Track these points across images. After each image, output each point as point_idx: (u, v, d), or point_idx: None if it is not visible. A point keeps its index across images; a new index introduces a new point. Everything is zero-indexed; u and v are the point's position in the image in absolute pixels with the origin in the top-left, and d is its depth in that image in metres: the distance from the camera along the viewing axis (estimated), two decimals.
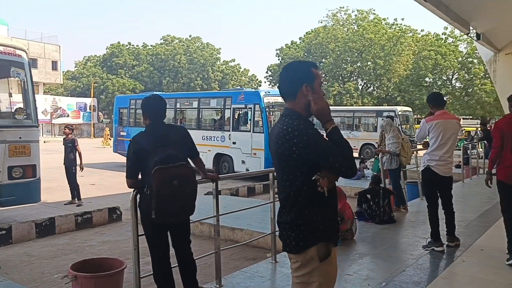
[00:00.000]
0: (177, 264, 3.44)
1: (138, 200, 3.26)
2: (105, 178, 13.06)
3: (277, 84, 2.22)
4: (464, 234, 5.61)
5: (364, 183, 10.80)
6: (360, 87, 42.88)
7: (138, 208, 3.26)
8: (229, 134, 13.63)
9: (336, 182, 2.12)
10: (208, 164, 13.98)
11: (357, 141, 21.33)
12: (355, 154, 20.90)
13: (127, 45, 55.04)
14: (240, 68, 57.47)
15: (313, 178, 2.00)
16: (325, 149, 1.98)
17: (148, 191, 3.03)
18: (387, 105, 37.37)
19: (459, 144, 19.39)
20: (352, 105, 37.18)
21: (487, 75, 32.74)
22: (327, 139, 2.04)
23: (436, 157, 4.86)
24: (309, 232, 2.03)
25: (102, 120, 45.41)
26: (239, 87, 32.35)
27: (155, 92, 21.95)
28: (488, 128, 17.87)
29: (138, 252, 3.29)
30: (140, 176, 3.23)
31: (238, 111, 13.65)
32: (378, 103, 40.12)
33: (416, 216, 6.81)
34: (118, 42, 54.39)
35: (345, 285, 3.92)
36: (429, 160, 4.92)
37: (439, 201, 5.06)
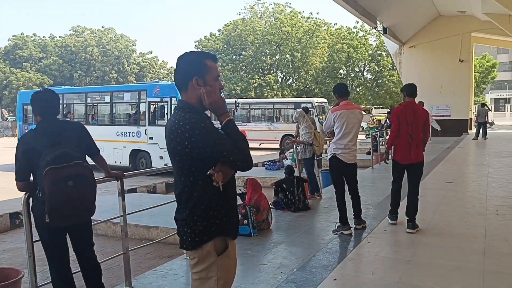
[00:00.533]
0: (79, 269, 3.23)
1: (31, 203, 3.01)
2: (10, 181, 11.97)
3: None
4: (372, 216, 5.98)
5: (283, 174, 11.07)
6: (280, 79, 43.87)
7: (31, 212, 3.02)
8: (145, 129, 13.19)
9: (233, 174, 2.10)
10: (124, 161, 13.45)
11: (278, 132, 21.83)
12: (276, 145, 21.42)
13: (32, 36, 50.83)
14: (158, 60, 55.91)
15: (207, 173, 1.97)
16: (219, 143, 1.95)
17: (40, 194, 2.80)
18: (306, 97, 38.79)
19: (370, 132, 20.76)
20: (272, 97, 37.98)
21: (394, 67, 35.23)
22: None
23: (341, 146, 5.10)
24: (205, 227, 2.00)
25: (7, 118, 41.66)
26: (157, 80, 31.45)
27: (64, 86, 20.59)
28: None
29: (34, 260, 3.04)
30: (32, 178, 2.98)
31: (154, 105, 13.25)
32: (297, 95, 41.43)
33: (330, 202, 7.11)
34: (22, 33, 50.06)
35: (259, 274, 3.97)
36: (335, 148, 5.15)
37: (346, 187, 5.33)
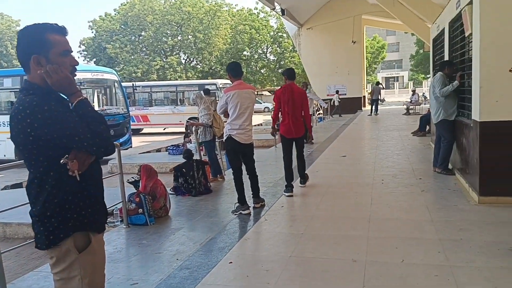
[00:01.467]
0: None
1: None
2: None
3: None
4: (271, 194, 6.11)
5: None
6: (183, 61, 42.94)
7: None
8: None
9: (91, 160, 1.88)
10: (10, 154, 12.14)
11: (182, 115, 21.40)
12: (182, 129, 21.01)
13: None
14: None
15: (61, 161, 1.75)
16: (68, 126, 1.73)
17: None
18: (211, 79, 38.53)
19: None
20: (176, 80, 37.08)
21: (295, 49, 36.44)
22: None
23: (236, 126, 5.08)
24: (60, 223, 1.80)
25: None
26: None
27: None
28: None
29: None
30: None
31: None
32: (203, 77, 41.03)
33: (233, 184, 7.09)
34: None
35: (153, 264, 3.82)
36: (230, 129, 5.12)
37: (244, 167, 5.35)
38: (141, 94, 22.00)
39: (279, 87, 6.42)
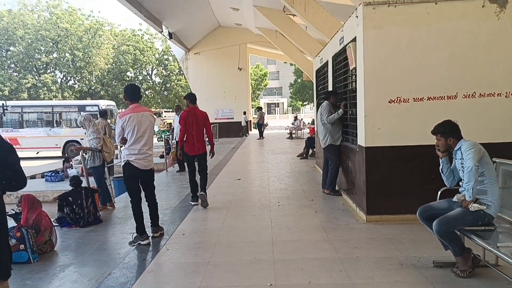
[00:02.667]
0: None
1: None
2: None
3: None
4: (169, 221, 5.87)
5: (68, 185, 9.97)
6: (59, 79, 39.67)
7: None
8: None
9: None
10: None
11: (59, 138, 19.68)
12: (58, 153, 19.22)
13: None
14: None
15: None
16: None
17: None
18: (91, 99, 36.22)
19: (162, 135, 20.80)
20: (51, 99, 34.07)
21: (181, 72, 36.38)
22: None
23: (135, 151, 4.82)
24: None
25: None
26: None
27: None
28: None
29: None
30: None
31: None
32: (81, 97, 38.36)
33: (124, 211, 6.70)
34: None
35: None
36: (129, 154, 4.83)
37: (142, 194, 5.08)
38: (10, 115, 19.67)
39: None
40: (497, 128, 5.12)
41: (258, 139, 21.72)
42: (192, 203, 6.79)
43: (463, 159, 3.46)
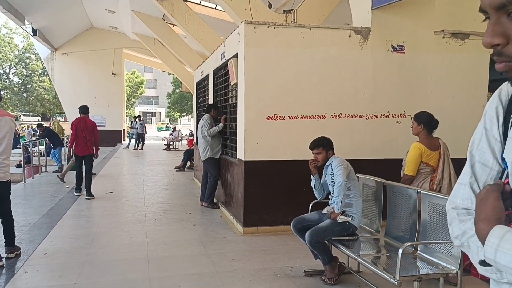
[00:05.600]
0: None
1: None
2: None
3: None
4: (27, 240, 5.22)
5: None
6: None
7: None
8: None
9: None
10: None
11: None
12: None
13: None
14: None
15: None
16: None
17: None
18: None
19: (20, 141, 18.47)
20: None
21: (45, 72, 33.10)
22: None
23: None
24: None
25: None
26: None
27: None
28: (48, 126, 17.92)
29: None
30: None
31: None
32: None
33: None
34: None
35: None
36: None
37: None
38: None
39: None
40: (359, 146, 5.73)
41: (140, 149, 20.83)
42: (76, 194, 8.26)
43: (333, 174, 3.78)
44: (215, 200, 7.26)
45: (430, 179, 3.92)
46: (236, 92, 5.97)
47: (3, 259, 4.37)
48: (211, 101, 7.98)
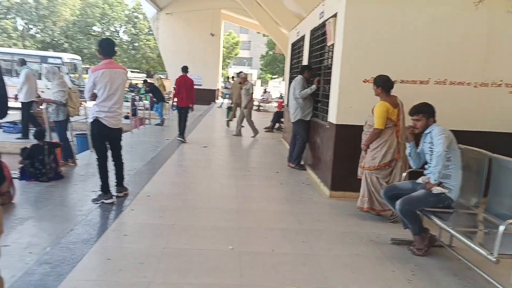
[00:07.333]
0: None
1: None
2: None
3: None
4: (133, 182, 5.79)
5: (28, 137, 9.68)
6: (20, 27, 37.39)
7: None
8: None
9: None
10: None
11: (16, 88, 18.66)
12: (18, 104, 18.25)
13: None
14: None
15: None
16: None
17: None
18: (53, 51, 34.49)
19: (127, 96, 20.12)
20: (10, 47, 32.19)
21: (151, 31, 35.07)
22: None
23: (105, 109, 4.66)
24: None
25: None
26: None
27: None
28: (152, 82, 19.13)
29: None
30: None
31: None
32: (43, 48, 36.43)
33: (86, 169, 6.54)
34: None
35: (1, 259, 3.24)
36: (98, 111, 4.67)
37: (109, 152, 4.96)
38: None
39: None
40: (464, 116, 5.32)
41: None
42: (178, 138, 9.80)
43: (432, 143, 3.58)
44: (302, 162, 7.32)
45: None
46: (332, 53, 5.83)
47: (114, 197, 4.93)
48: (305, 63, 7.90)
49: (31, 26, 38.30)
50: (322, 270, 3.35)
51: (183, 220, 4.41)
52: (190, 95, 9.78)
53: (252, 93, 11.52)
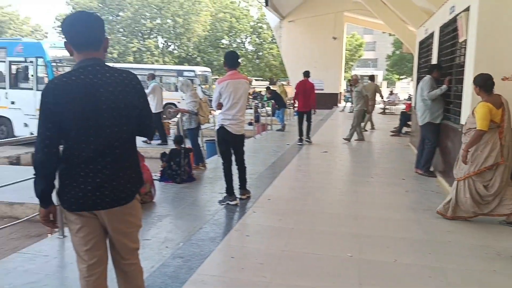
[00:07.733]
0: None
1: None
2: None
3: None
4: (255, 186, 6.06)
5: (166, 144, 10.72)
6: (161, 45, 42.01)
7: None
8: (6, 92, 11.49)
9: None
10: None
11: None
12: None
13: None
14: (19, 15, 48.80)
15: None
16: None
17: None
18: (188, 65, 37.93)
19: (250, 104, 21.17)
20: (153, 63, 36.32)
21: (273, 40, 36.30)
22: None
23: (229, 117, 5.00)
24: None
25: None
26: (19, 37, 27.54)
27: None
28: (274, 89, 19.74)
29: None
30: None
31: (16, 65, 11.56)
32: (179, 63, 40.29)
33: (214, 173, 7.05)
34: None
35: (142, 251, 3.67)
36: (223, 119, 5.03)
37: (233, 157, 5.29)
38: None
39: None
40: None
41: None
42: (298, 143, 10.09)
43: None
44: (431, 169, 6.81)
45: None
46: (465, 50, 5.34)
47: (238, 199, 5.24)
48: (434, 61, 7.36)
49: (169, 44, 42.71)
50: (450, 286, 3.09)
51: (302, 224, 4.48)
52: (307, 100, 9.84)
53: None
